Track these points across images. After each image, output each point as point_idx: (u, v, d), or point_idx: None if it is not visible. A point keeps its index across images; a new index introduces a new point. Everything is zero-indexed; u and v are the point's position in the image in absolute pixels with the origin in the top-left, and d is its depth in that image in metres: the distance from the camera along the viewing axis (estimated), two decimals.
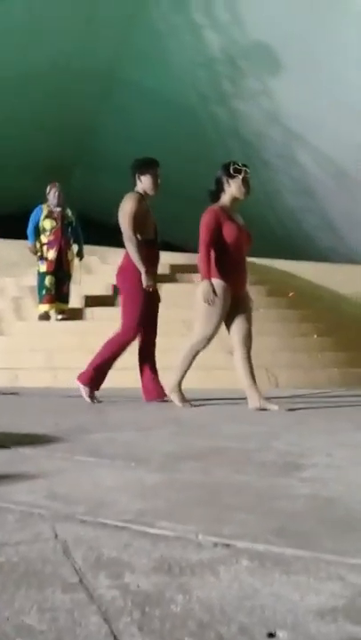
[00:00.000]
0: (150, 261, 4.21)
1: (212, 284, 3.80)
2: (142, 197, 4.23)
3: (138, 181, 4.27)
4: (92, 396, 4.22)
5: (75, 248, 7.12)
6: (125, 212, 4.18)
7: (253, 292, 7.91)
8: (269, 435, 2.72)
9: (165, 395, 4.26)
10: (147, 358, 4.37)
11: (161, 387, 4.35)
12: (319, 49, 10.97)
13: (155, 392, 4.32)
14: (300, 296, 7.76)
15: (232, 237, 3.87)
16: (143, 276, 4.11)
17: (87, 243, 7.51)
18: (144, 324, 4.24)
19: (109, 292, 7.38)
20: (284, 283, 8.06)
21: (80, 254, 7.16)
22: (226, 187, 3.89)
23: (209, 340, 3.93)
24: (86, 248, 7.39)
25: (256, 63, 11.91)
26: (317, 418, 3.52)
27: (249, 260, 9.50)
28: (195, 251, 9.68)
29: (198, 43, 12.05)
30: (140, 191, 4.25)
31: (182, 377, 4.00)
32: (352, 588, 0.95)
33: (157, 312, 4.39)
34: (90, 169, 14.41)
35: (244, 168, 3.91)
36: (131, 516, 1.34)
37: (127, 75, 12.54)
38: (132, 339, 4.25)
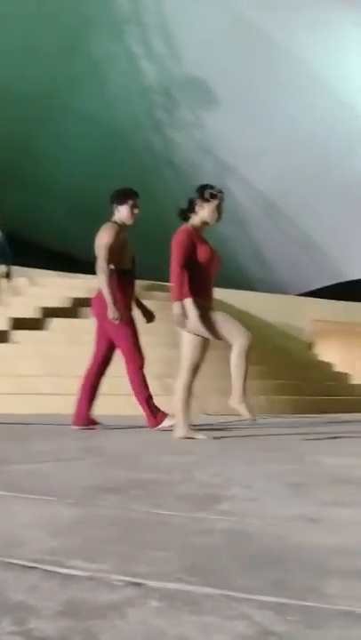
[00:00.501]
0: (124, 292, 4.24)
1: (183, 306, 3.69)
2: (120, 228, 4.25)
3: (116, 211, 4.30)
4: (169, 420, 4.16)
5: (2, 269, 7.00)
6: (102, 243, 4.18)
7: None
8: (193, 465, 2.73)
9: (92, 423, 4.24)
10: (91, 384, 4.38)
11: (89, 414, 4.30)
12: (251, 84, 11.40)
13: (84, 419, 4.26)
14: None
15: (205, 258, 3.83)
16: (110, 308, 4.10)
17: (17, 264, 7.39)
18: (137, 346, 4.25)
19: (38, 314, 7.26)
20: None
21: (8, 275, 7.03)
22: (198, 209, 3.87)
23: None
24: (15, 269, 7.27)
25: (190, 95, 12.23)
26: (241, 447, 3.56)
27: None
28: None
29: (135, 72, 12.25)
30: (118, 221, 4.28)
31: (244, 386, 3.81)
32: (257, 627, 0.96)
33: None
34: (24, 191, 14.22)
35: (220, 194, 3.90)
36: (42, 555, 1.31)
37: (64, 99, 12.56)
38: (141, 362, 4.25)
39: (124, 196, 4.32)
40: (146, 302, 7.66)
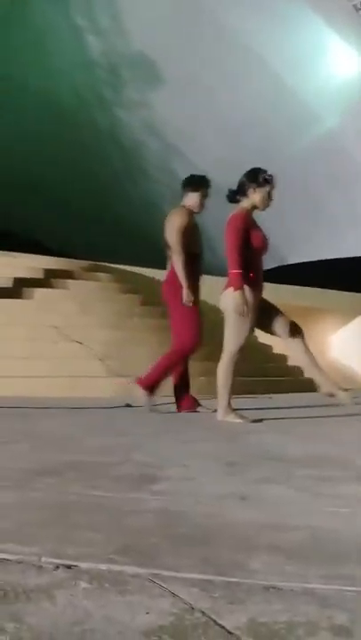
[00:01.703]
0: (195, 276, 4.30)
1: (245, 295, 3.63)
2: (191, 212, 4.32)
3: (185, 196, 4.35)
4: (149, 399, 4.19)
5: None
6: (175, 228, 4.21)
7: (128, 301, 7.99)
8: (131, 446, 2.74)
9: (197, 405, 4.30)
10: (181, 371, 4.39)
11: (193, 398, 4.37)
12: (197, 67, 11.34)
13: (189, 403, 4.33)
14: None
15: (259, 243, 3.77)
16: (184, 291, 4.18)
17: None
18: (196, 330, 4.27)
19: None
20: (159, 292, 8.18)
21: None
22: (250, 193, 3.76)
23: (241, 350, 3.74)
24: None
25: (136, 73, 12.05)
26: (179, 427, 3.61)
27: (125, 268, 9.52)
28: (70, 255, 9.52)
29: (78, 45, 11.95)
30: (186, 206, 4.34)
31: (229, 396, 3.73)
32: (182, 604, 0.99)
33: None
34: None
35: (273, 179, 3.80)
36: None
37: (1, 69, 12.11)
38: (194, 349, 4.28)
39: (197, 183, 4.37)
40: (87, 283, 7.62)
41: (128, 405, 4.58)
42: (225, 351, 3.77)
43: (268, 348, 7.65)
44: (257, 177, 3.77)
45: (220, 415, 3.72)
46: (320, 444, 2.89)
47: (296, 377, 6.94)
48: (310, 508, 1.64)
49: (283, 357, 7.60)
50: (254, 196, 3.76)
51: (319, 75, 11.94)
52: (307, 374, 4.04)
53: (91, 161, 12.61)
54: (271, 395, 5.93)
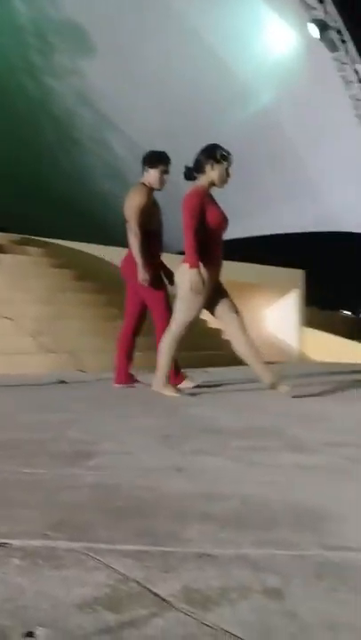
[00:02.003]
0: (153, 253, 4.21)
1: (200, 274, 3.59)
2: (149, 189, 4.22)
3: (145, 173, 4.26)
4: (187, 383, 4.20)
5: None
6: (132, 205, 4.13)
7: (60, 275, 7.84)
8: (67, 422, 2.72)
9: (132, 381, 4.33)
10: (128, 344, 4.41)
11: (130, 374, 4.39)
12: (130, 37, 11.09)
13: (124, 378, 4.35)
14: (108, 281, 7.85)
15: (216, 222, 3.71)
16: (139, 269, 4.11)
17: None
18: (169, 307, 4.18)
19: None
20: (93, 267, 8.09)
21: None
22: (208, 169, 3.70)
23: (188, 326, 3.73)
24: None
25: (67, 41, 11.67)
26: (116, 402, 3.61)
27: (57, 242, 9.33)
28: (2, 229, 9.15)
29: (6, 11, 11.42)
30: (146, 183, 4.24)
31: (168, 371, 3.76)
32: (117, 575, 0.99)
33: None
34: None
35: (230, 156, 3.74)
36: None
37: None
38: (169, 316, 4.10)
39: (155, 159, 4.26)
40: (16, 257, 7.42)
41: (62, 382, 4.54)
42: (172, 326, 3.79)
43: (204, 322, 7.72)
44: (214, 154, 3.75)
45: (156, 386, 3.75)
46: (254, 416, 2.96)
47: (230, 351, 7.04)
48: (243, 477, 1.68)
49: (218, 332, 7.70)
50: (212, 174, 3.74)
51: (256, 51, 11.95)
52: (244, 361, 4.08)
53: (21, 129, 12.19)
54: (207, 368, 6.01)
